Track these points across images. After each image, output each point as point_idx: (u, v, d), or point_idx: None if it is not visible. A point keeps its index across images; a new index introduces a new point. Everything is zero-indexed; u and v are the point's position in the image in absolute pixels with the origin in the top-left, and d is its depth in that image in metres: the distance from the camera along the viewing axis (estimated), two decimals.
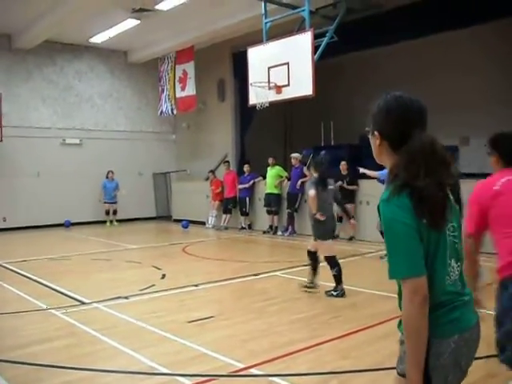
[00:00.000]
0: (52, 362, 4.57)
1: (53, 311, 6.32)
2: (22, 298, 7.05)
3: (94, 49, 17.24)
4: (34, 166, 16.17)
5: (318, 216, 6.85)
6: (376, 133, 2.10)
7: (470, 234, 3.23)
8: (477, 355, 4.57)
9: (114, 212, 17.14)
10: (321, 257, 7.22)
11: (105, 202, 16.98)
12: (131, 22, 14.24)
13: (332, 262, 7.01)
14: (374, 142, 2.12)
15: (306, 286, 7.17)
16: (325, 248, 7.06)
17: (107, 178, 17.02)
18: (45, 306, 6.55)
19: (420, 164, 1.89)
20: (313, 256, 7.21)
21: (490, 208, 3.15)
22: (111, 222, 17.08)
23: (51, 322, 5.89)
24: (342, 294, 6.91)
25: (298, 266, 8.94)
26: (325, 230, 7.00)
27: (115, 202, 17.12)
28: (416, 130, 1.99)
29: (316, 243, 7.15)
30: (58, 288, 7.60)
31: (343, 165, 12.27)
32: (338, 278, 6.97)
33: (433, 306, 1.93)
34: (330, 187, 7.15)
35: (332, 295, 6.93)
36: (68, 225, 16.38)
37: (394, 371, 4.23)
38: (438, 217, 1.91)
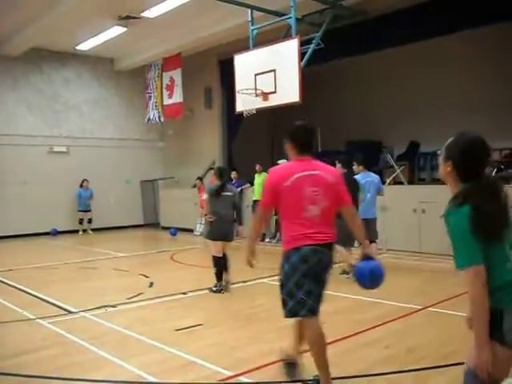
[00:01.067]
0: (39, 373, 4.54)
1: (40, 321, 6.27)
2: (8, 308, 6.98)
3: (80, 56, 17.21)
4: (21, 174, 16.08)
5: (207, 217, 7.75)
6: (449, 162, 2.62)
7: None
8: (464, 360, 4.59)
9: (89, 221, 17.04)
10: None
11: (79, 211, 16.86)
12: (118, 30, 14.24)
13: (214, 261, 7.77)
14: (445, 167, 2.66)
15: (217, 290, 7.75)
16: (212, 247, 7.82)
17: (81, 186, 16.88)
18: (31, 316, 6.51)
19: (488, 193, 2.52)
20: (217, 261, 7.79)
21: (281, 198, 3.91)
22: (84, 230, 16.98)
23: (38, 332, 5.85)
24: (219, 290, 7.66)
25: None
26: (213, 231, 7.79)
27: (89, 211, 16.98)
28: (483, 167, 2.59)
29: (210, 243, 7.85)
30: (45, 297, 7.55)
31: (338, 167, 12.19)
32: (217, 276, 7.74)
33: (502, 285, 2.51)
34: (228, 194, 7.82)
35: (212, 291, 7.68)
36: (55, 233, 16.29)
37: (382, 377, 4.27)
38: (493, 231, 2.49)
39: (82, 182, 16.85)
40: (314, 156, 4.11)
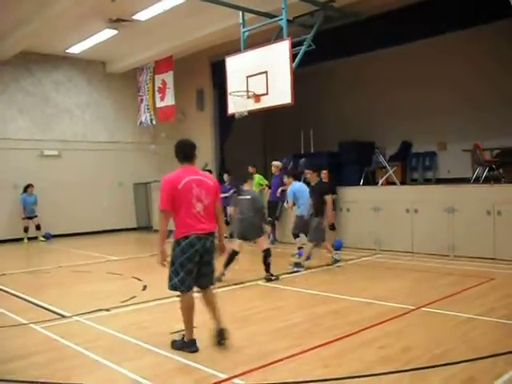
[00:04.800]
0: (32, 378, 4.51)
1: (33, 326, 6.24)
2: (0, 313, 6.95)
3: (71, 59, 17.15)
4: (12, 178, 15.97)
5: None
6: None
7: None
8: (457, 359, 4.62)
9: (38, 227, 16.00)
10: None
11: (24, 218, 15.82)
12: (109, 33, 14.20)
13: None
14: None
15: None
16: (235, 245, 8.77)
17: (25, 191, 15.92)
18: (24, 321, 6.47)
19: None
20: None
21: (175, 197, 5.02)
22: (32, 238, 16.00)
23: (31, 337, 5.82)
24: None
25: (280, 275, 8.94)
26: (237, 232, 8.91)
27: (35, 216, 16.01)
28: None
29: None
30: (37, 302, 7.52)
31: (324, 173, 12.18)
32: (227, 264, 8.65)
33: None
34: (245, 197, 8.73)
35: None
36: (48, 237, 16.20)
37: (377, 378, 4.28)
38: None
39: (27, 187, 15.96)
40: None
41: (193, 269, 5.07)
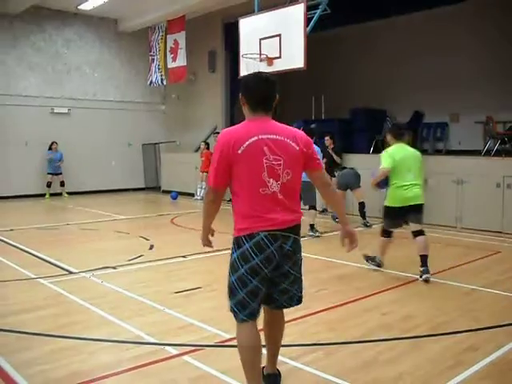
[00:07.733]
0: (40, 331, 4.59)
1: (40, 280, 6.33)
2: (9, 267, 7.05)
3: (83, 16, 16.95)
4: (22, 135, 16.00)
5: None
6: None
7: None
8: (459, 329, 4.66)
9: (62, 184, 16.46)
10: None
11: (48, 173, 16.26)
12: None
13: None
14: None
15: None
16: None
17: (50, 149, 16.24)
18: (32, 275, 6.56)
19: None
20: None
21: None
22: (55, 194, 16.44)
23: (39, 291, 5.90)
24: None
25: None
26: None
27: (60, 173, 16.41)
28: None
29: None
30: (45, 257, 7.61)
31: (327, 140, 12.00)
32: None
33: None
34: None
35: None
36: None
37: (378, 343, 4.32)
38: None
39: (51, 144, 16.25)
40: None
41: (260, 288, 3.17)
